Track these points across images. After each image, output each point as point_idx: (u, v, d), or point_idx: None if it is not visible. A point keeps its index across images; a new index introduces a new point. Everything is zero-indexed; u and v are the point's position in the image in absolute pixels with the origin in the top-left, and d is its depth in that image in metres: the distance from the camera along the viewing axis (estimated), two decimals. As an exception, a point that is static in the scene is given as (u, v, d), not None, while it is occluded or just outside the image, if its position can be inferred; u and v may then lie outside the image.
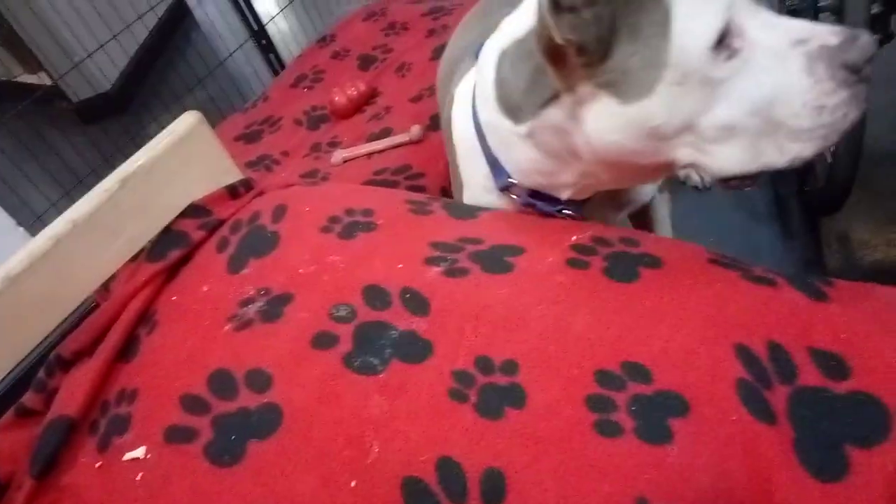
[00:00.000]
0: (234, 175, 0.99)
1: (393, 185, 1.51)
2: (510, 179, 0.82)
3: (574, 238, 0.75)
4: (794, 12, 1.03)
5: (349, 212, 0.88)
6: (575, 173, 0.76)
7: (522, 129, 0.75)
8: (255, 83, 2.31)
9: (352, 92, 1.84)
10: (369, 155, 1.65)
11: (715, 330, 0.59)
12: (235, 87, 2.22)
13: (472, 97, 0.86)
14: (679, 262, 0.67)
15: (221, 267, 0.85)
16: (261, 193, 0.98)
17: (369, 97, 1.86)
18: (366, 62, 2.00)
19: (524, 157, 0.78)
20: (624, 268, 0.68)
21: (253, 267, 0.83)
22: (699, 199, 1.39)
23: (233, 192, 0.96)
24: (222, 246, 0.89)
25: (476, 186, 0.90)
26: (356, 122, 1.82)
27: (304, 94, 1.99)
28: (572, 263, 0.71)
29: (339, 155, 1.66)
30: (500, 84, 0.77)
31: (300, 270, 0.80)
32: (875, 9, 1.03)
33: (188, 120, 0.91)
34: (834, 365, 0.55)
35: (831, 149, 1.01)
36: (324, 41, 2.13)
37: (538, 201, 0.83)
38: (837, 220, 1.21)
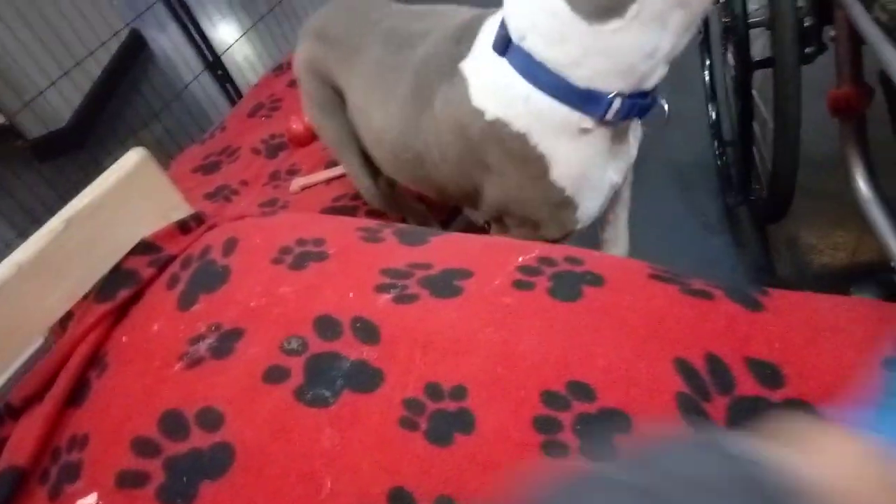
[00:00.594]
0: (184, 210, 0.98)
1: (352, 210, 1.51)
2: (610, 96, 0.83)
3: (520, 259, 0.76)
4: (728, 28, 1.07)
5: (300, 242, 0.88)
6: (680, 24, 0.78)
7: (632, 11, 0.76)
8: (212, 114, 2.30)
9: (309, 119, 1.84)
10: (328, 181, 1.66)
11: (655, 345, 0.60)
12: (193, 118, 2.21)
13: (514, 75, 0.87)
14: (620, 278, 0.69)
15: (172, 304, 0.84)
16: (212, 227, 0.98)
17: (326, 124, 1.87)
18: (322, 89, 2.00)
19: (632, 49, 0.80)
20: (568, 287, 0.69)
21: (204, 303, 0.83)
22: (653, 211, 1.41)
23: (183, 227, 0.96)
24: (173, 282, 0.88)
25: (570, 149, 0.89)
26: (314, 150, 1.82)
27: (262, 123, 1.98)
28: (518, 285, 0.71)
29: (297, 183, 1.66)
30: (580, 4, 0.79)
31: (251, 304, 0.79)
32: (807, 22, 1.07)
33: (134, 157, 0.91)
34: (769, 374, 0.56)
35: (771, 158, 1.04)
36: (280, 70, 2.13)
37: (638, 100, 0.84)
38: (785, 227, 1.25)
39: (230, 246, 0.89)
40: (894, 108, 0.87)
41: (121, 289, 0.89)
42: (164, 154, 2.09)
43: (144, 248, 0.93)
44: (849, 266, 1.15)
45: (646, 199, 1.46)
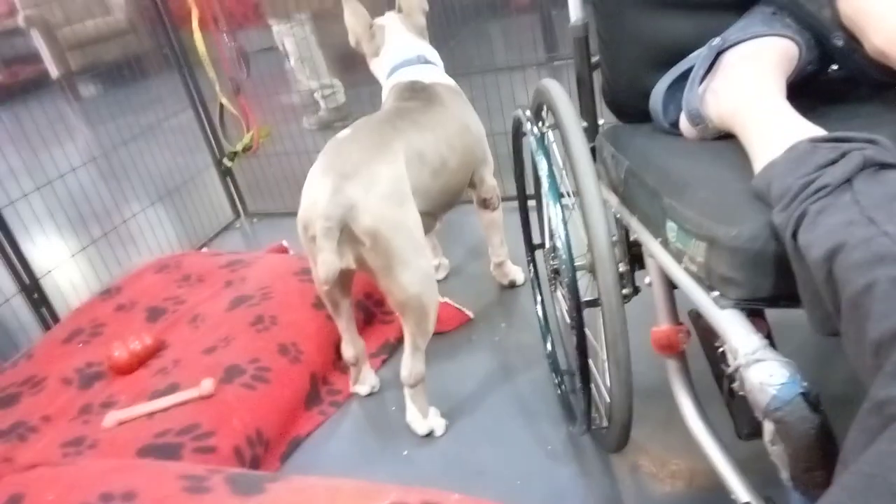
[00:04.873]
0: (-44, 460, 0.80)
1: (177, 448, 1.35)
2: None
3: (370, 509, 0.69)
4: (556, 272, 1.18)
5: (105, 497, 0.74)
6: None
7: None
8: (22, 340, 2.07)
9: (135, 346, 1.70)
10: (151, 414, 1.49)
11: None
12: (-6, 345, 1.96)
13: None
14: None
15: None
16: (-8, 481, 0.80)
17: (155, 350, 1.74)
18: (154, 314, 1.89)
19: None
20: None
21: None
22: (499, 441, 1.40)
23: (-49, 483, 0.78)
24: (-80, 561, 0.68)
25: None
26: (138, 379, 1.66)
27: (79, 350, 1.80)
28: (368, 541, 0.63)
29: (112, 417, 1.47)
30: None
31: (26, 587, 0.63)
32: (621, 268, 1.20)
33: None
34: None
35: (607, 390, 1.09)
36: (108, 293, 2.01)
37: None
38: (628, 455, 1.27)
39: (12, 506, 0.73)
40: (707, 344, 0.96)
41: None
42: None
43: None
44: (688, 494, 1.18)
45: (491, 428, 1.45)
